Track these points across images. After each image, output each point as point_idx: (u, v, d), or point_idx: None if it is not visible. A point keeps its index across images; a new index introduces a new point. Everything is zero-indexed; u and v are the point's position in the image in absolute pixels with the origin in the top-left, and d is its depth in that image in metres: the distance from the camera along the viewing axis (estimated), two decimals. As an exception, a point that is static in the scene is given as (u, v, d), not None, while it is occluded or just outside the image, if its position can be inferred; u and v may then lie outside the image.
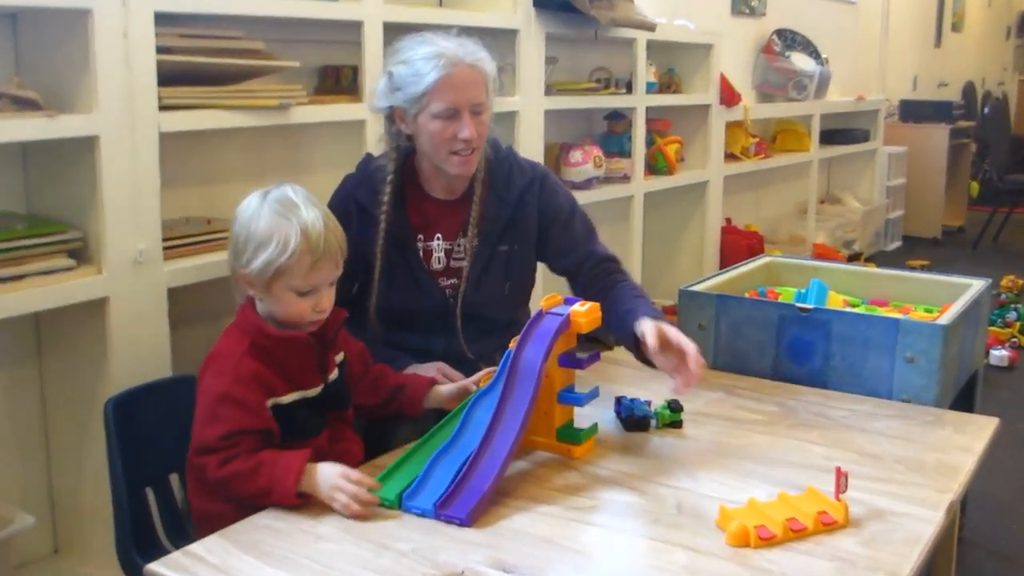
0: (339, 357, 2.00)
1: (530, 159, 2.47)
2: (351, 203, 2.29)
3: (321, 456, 1.80)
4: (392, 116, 2.25)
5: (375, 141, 2.66)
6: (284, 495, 1.71)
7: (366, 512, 1.70)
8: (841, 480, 1.68)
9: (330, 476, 1.73)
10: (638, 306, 2.18)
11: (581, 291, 2.33)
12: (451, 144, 2.18)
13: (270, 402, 1.83)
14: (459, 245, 2.31)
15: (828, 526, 1.66)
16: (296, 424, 1.86)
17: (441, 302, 2.30)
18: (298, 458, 1.74)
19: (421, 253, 2.31)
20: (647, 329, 2.05)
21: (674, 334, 2.04)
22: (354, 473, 1.74)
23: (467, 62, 2.16)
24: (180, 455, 2.03)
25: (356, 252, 2.27)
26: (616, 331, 2.22)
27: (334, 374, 1.97)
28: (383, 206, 2.26)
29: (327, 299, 1.89)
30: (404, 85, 2.17)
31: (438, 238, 2.31)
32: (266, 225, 1.82)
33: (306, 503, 1.73)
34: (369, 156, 2.39)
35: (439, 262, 2.31)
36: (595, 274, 2.36)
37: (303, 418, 1.88)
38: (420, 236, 2.31)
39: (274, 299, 1.85)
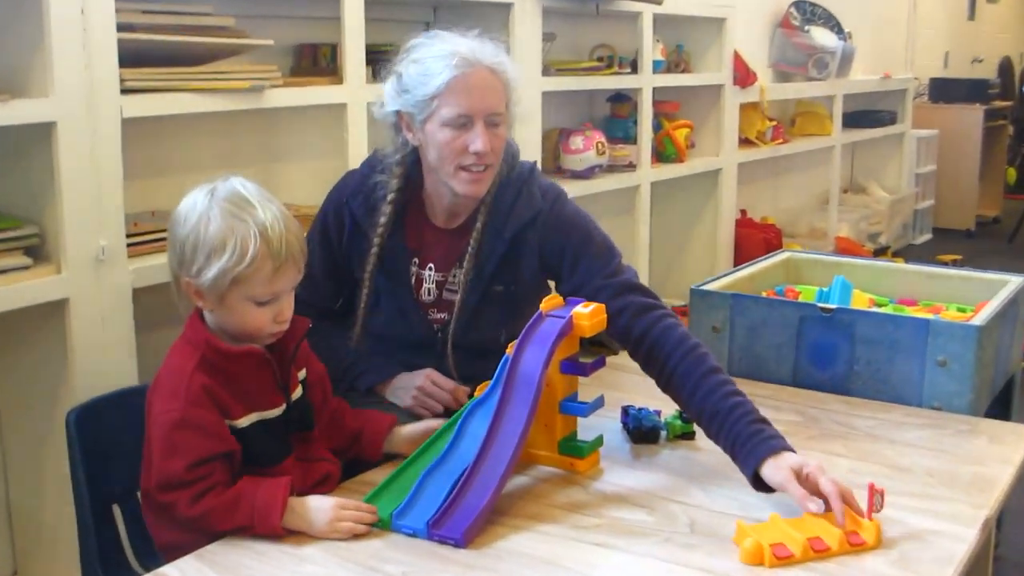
0: (302, 374, 1.95)
1: (551, 182, 2.32)
2: (345, 213, 2.25)
3: (292, 485, 1.77)
4: (399, 123, 2.17)
5: (355, 128, 2.69)
6: (268, 530, 1.69)
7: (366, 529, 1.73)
8: (875, 498, 1.71)
9: (324, 512, 1.72)
10: (737, 419, 1.91)
11: (619, 336, 2.13)
12: (461, 157, 2.10)
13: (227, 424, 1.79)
14: (454, 276, 2.26)
15: (856, 547, 1.67)
16: (255, 451, 1.80)
17: (428, 335, 2.27)
18: (279, 488, 1.72)
19: (412, 280, 2.27)
20: (780, 479, 1.79)
21: (814, 476, 1.77)
22: (349, 503, 1.75)
23: (485, 64, 2.08)
24: (148, 470, 2.05)
25: (343, 266, 2.28)
26: (709, 434, 1.98)
27: (297, 392, 1.91)
28: (379, 228, 2.21)
29: (288, 307, 1.83)
30: (413, 86, 2.09)
31: (430, 268, 2.27)
32: (218, 229, 1.73)
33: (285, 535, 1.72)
34: (374, 158, 2.30)
35: (428, 293, 2.27)
36: (631, 322, 2.10)
37: (263, 444, 1.82)
38: (415, 259, 2.27)
39: (228, 310, 1.78)
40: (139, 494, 1.89)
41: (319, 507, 1.72)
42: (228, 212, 1.74)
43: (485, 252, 2.22)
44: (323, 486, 1.89)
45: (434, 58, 2.07)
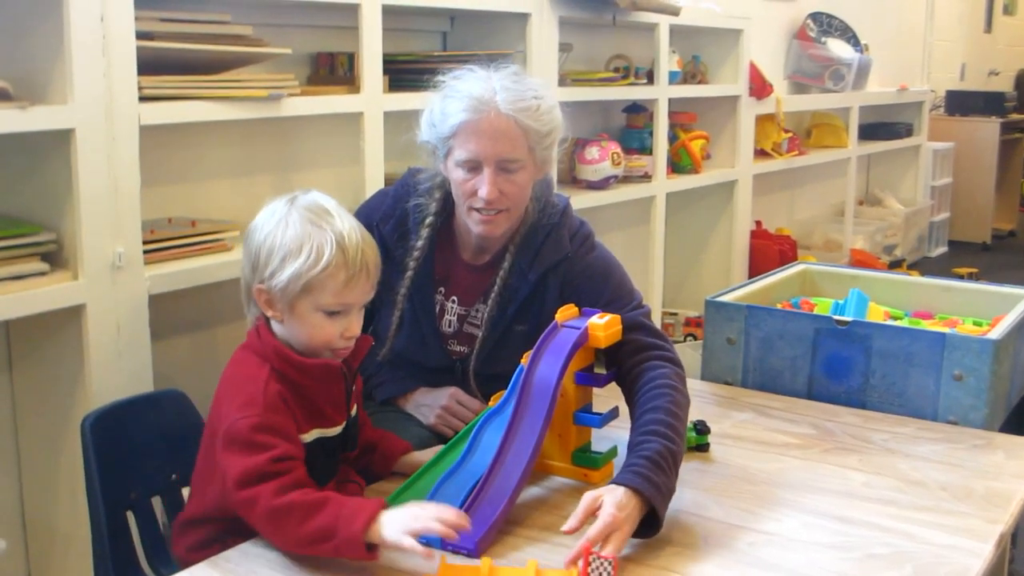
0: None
1: (582, 220, 2.30)
2: (375, 236, 2.12)
3: None
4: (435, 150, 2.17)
5: (371, 136, 2.69)
6: (349, 538, 1.59)
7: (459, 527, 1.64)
8: (591, 562, 1.62)
9: (401, 517, 1.61)
10: (638, 446, 1.86)
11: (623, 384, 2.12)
12: (471, 200, 2.10)
13: None
14: (476, 312, 2.25)
15: None
16: (308, 469, 1.75)
17: (446, 365, 2.27)
18: (373, 502, 1.64)
19: (437, 309, 2.26)
20: (606, 502, 1.71)
21: (606, 517, 1.68)
22: (421, 513, 1.63)
23: (500, 109, 2.03)
24: (163, 476, 2.06)
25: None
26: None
27: (354, 410, 1.92)
28: (415, 251, 2.20)
29: (356, 324, 1.82)
30: (437, 122, 2.09)
31: (454, 300, 2.26)
32: (296, 233, 1.75)
33: (373, 559, 1.62)
34: (411, 176, 2.28)
35: (449, 325, 2.26)
36: (624, 359, 2.08)
37: (318, 462, 1.81)
38: (441, 289, 2.26)
39: (297, 320, 1.78)
40: (171, 525, 1.90)
41: (395, 515, 1.62)
42: (306, 219, 1.76)
43: (510, 291, 2.21)
44: None
45: (455, 97, 2.06)
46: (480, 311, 2.23)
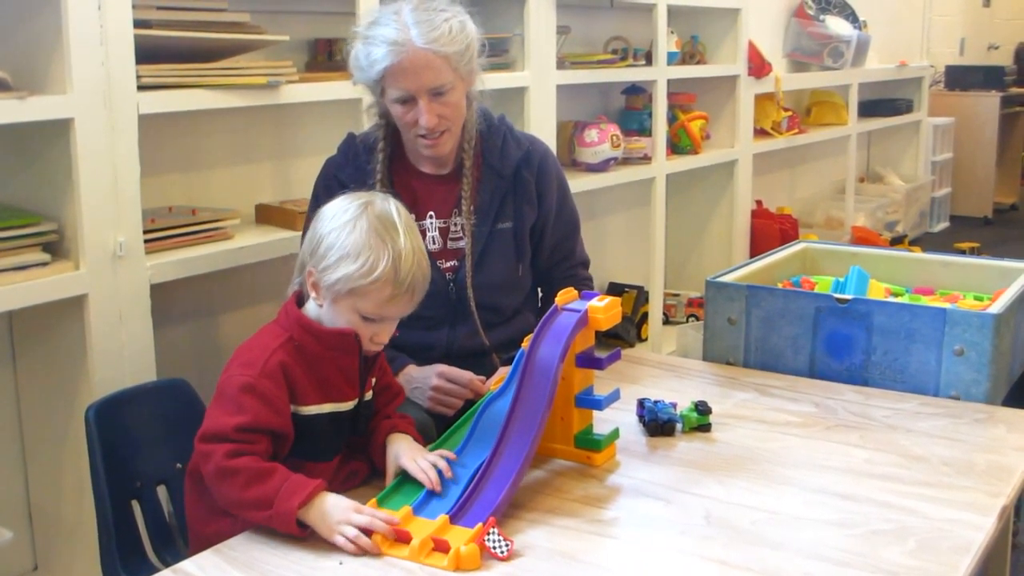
0: (374, 380, 1.97)
1: (526, 132, 2.51)
2: (334, 183, 2.30)
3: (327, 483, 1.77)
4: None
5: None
6: (284, 512, 1.67)
7: (375, 547, 1.66)
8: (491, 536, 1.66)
9: (339, 509, 1.69)
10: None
11: (548, 297, 2.35)
12: (414, 129, 2.22)
13: (291, 409, 1.81)
14: (455, 224, 2.34)
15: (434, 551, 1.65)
16: (312, 441, 1.84)
17: (442, 285, 2.31)
18: (313, 481, 1.70)
19: None
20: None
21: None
22: (365, 509, 1.70)
23: (418, 45, 2.14)
24: (167, 465, 2.06)
25: None
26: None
27: (370, 394, 1.95)
28: (377, 175, 2.29)
29: (387, 333, 1.88)
30: (364, 67, 2.20)
31: (430, 216, 2.34)
32: (358, 239, 1.79)
33: (302, 535, 1.68)
34: (351, 135, 2.42)
35: (434, 242, 2.33)
36: (565, 281, 2.36)
37: (324, 435, 1.86)
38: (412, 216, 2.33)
39: (336, 312, 1.83)
40: (185, 473, 1.91)
41: (335, 504, 1.70)
42: (373, 228, 1.80)
43: (486, 193, 2.33)
44: (349, 481, 1.90)
45: (375, 42, 2.17)
46: (458, 222, 2.33)
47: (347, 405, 1.88)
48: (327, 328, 1.84)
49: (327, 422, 1.86)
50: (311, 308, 1.87)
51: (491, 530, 1.66)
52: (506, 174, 2.34)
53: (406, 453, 1.88)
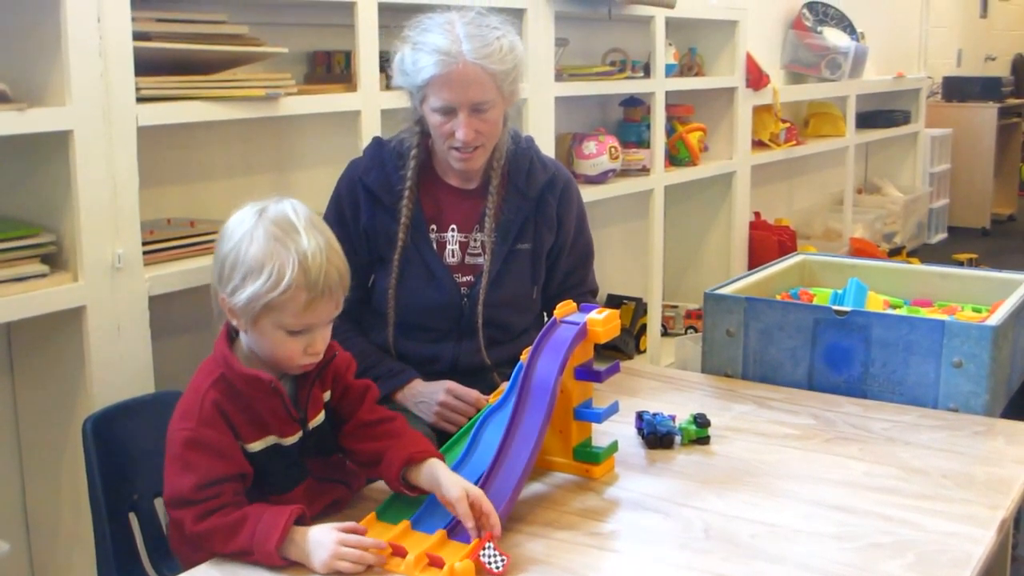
0: (326, 395, 1.88)
1: (555, 159, 2.54)
2: (359, 189, 2.32)
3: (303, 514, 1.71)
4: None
5: (369, 134, 2.69)
6: (265, 555, 1.63)
7: (378, 559, 1.64)
8: (486, 549, 1.65)
9: (325, 547, 1.63)
10: None
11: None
12: (450, 140, 2.24)
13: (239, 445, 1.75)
14: (475, 239, 2.35)
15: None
16: (264, 476, 1.76)
17: (456, 298, 2.32)
18: (282, 516, 1.65)
19: (435, 244, 2.34)
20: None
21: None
22: (351, 538, 1.65)
23: (469, 59, 2.16)
24: (165, 478, 2.05)
25: (369, 241, 2.33)
26: None
27: (317, 419, 1.85)
28: (407, 182, 2.30)
29: (322, 340, 1.77)
30: (409, 72, 2.22)
31: (452, 229, 2.35)
32: (258, 251, 1.69)
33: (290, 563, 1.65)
34: (378, 140, 2.42)
35: (453, 255, 2.34)
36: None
37: (275, 470, 1.78)
38: (433, 226, 2.34)
39: (260, 334, 1.73)
40: (160, 499, 1.88)
41: (320, 541, 1.64)
42: (272, 235, 1.70)
43: (509, 212, 2.34)
44: (333, 509, 1.86)
45: (425, 50, 2.18)
46: (479, 238, 2.34)
47: (290, 439, 1.80)
48: (243, 371, 1.73)
49: (274, 456, 1.78)
50: (243, 337, 1.78)
51: (487, 544, 1.65)
52: (531, 196, 2.37)
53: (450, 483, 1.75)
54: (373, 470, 1.87)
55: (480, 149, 2.26)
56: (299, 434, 1.81)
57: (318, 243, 1.71)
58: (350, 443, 1.89)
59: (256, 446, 1.76)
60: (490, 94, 2.20)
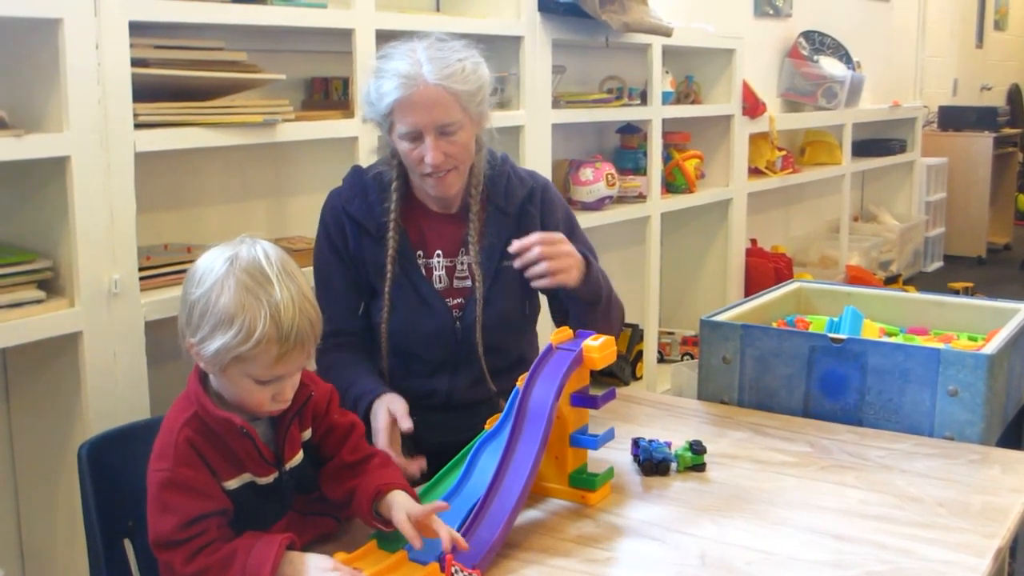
0: (307, 434, 1.86)
1: (528, 169, 2.52)
2: (343, 218, 2.32)
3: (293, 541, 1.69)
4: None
5: (368, 158, 2.70)
6: None
7: None
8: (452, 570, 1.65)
9: (323, 567, 1.64)
10: None
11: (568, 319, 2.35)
12: (420, 166, 2.22)
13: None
14: (462, 263, 2.34)
15: None
16: (244, 513, 1.73)
17: (448, 322, 2.31)
18: (274, 545, 1.63)
19: (423, 270, 2.33)
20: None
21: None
22: (346, 569, 1.65)
23: (430, 80, 2.15)
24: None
25: (358, 270, 2.33)
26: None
27: (295, 460, 1.82)
28: (391, 214, 2.29)
29: (290, 388, 1.73)
30: (374, 101, 2.21)
31: (438, 255, 2.34)
32: (228, 302, 1.63)
33: None
34: (358, 168, 2.41)
35: (440, 281, 2.33)
36: None
37: (253, 508, 1.75)
38: (420, 252, 2.34)
39: (228, 381, 1.70)
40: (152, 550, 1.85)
41: (317, 567, 1.64)
42: (243, 285, 1.64)
43: (492, 233, 2.34)
44: (320, 541, 1.84)
45: (387, 76, 2.18)
46: (465, 261, 2.34)
47: (265, 479, 1.77)
48: (215, 412, 1.70)
49: (251, 493, 1.75)
50: (212, 379, 1.75)
51: (454, 569, 1.63)
52: (511, 212, 2.36)
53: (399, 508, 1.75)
54: (348, 510, 1.85)
55: (453, 172, 2.24)
56: (274, 475, 1.78)
57: (291, 293, 1.67)
58: (327, 485, 1.87)
59: (232, 484, 1.73)
60: (455, 115, 2.19)
